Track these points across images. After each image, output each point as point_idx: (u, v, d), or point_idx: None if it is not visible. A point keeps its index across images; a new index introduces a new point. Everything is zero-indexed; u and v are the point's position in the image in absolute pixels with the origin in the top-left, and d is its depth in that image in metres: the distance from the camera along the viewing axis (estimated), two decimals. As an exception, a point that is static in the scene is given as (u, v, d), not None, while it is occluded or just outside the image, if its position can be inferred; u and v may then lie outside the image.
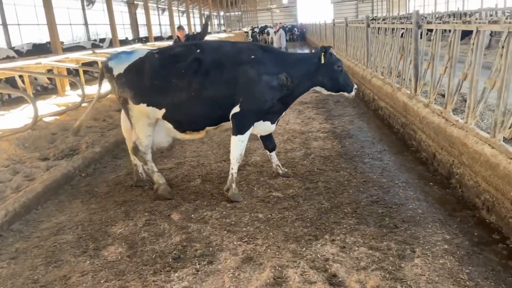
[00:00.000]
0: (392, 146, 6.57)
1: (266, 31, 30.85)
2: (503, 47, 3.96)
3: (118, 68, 4.83)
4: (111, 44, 19.27)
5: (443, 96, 6.92)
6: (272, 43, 39.56)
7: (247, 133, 4.94)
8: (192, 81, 4.70)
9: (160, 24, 47.51)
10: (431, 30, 6.20)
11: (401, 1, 70.08)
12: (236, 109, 4.81)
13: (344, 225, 4.11)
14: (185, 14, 50.47)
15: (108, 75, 4.92)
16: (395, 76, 8.29)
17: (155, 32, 39.79)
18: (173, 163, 6.50)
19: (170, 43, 21.54)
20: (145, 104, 4.77)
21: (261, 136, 5.51)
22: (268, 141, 5.51)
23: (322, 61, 5.03)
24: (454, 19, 15.12)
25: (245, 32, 35.08)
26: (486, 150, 4.10)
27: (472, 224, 3.98)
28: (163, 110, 4.81)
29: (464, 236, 3.76)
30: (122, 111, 5.23)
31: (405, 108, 6.93)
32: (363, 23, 11.11)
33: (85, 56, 12.14)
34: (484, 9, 26.03)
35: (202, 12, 51.15)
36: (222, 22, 70.47)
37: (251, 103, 4.83)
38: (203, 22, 11.82)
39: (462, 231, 3.86)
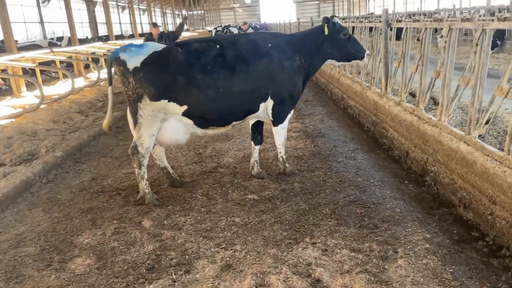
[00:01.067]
0: (364, 144, 6.56)
1: (226, 30, 30.25)
2: (477, 45, 3.98)
3: (133, 62, 4.44)
4: (69, 43, 18.48)
5: (412, 95, 7.01)
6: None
7: (287, 120, 5.13)
8: (220, 76, 4.58)
9: (120, 23, 46.32)
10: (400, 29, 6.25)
11: (361, 2, 71.84)
12: (270, 102, 4.86)
13: (324, 227, 4.01)
14: (146, 13, 49.43)
15: (121, 68, 4.47)
16: (364, 75, 8.33)
17: (116, 30, 38.70)
18: (141, 166, 6.21)
19: (132, 41, 20.96)
20: (166, 100, 4.51)
21: (253, 127, 5.40)
22: (258, 133, 5.41)
23: (326, 33, 4.97)
24: (425, 18, 15.49)
25: (209, 31, 34.55)
26: (462, 147, 4.12)
27: (450, 222, 3.98)
28: (185, 107, 4.59)
29: (444, 235, 3.74)
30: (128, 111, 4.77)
31: (375, 107, 6.95)
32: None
33: (42, 55, 11.54)
34: (441, 9, 26.93)
35: (164, 10, 50.30)
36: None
37: (283, 91, 4.87)
38: (180, 21, 11.48)
39: (441, 229, 3.85)
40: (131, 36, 30.40)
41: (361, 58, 5.18)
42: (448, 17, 17.00)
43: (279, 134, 5.18)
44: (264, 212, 4.42)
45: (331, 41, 5.03)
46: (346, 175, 5.32)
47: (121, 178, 5.78)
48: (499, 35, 14.38)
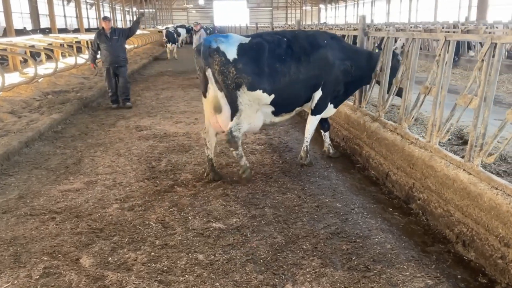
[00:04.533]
0: (336, 162, 6.00)
1: (175, 30, 28.43)
2: (483, 60, 3.50)
3: (232, 52, 4.63)
4: (5, 33, 16.71)
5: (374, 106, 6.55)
6: (182, 44, 37.01)
7: (323, 112, 5.59)
8: (295, 65, 4.95)
9: (65, 16, 43.60)
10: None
11: (314, 11, 73.06)
12: (319, 92, 5.30)
13: (307, 269, 3.35)
14: (94, 7, 46.94)
15: (222, 59, 4.60)
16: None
17: (60, 23, 36.31)
18: (82, 182, 5.26)
19: (78, 35, 19.43)
20: (261, 91, 4.76)
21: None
22: (325, 122, 6.03)
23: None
24: (411, 28, 15.22)
25: (159, 31, 32.79)
26: (462, 176, 3.62)
27: (451, 263, 3.44)
28: (273, 96, 4.87)
29: (448, 281, 3.19)
30: (209, 99, 4.97)
31: (347, 121, 6.44)
32: (293, 27, 10.61)
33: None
34: (413, 23, 27.21)
35: (113, 6, 48.07)
36: (135, 18, 66.97)
37: (330, 85, 5.32)
38: (136, 17, 10.70)
39: (443, 273, 3.29)
40: (77, 30, 28.49)
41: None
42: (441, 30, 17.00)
43: (313, 123, 5.59)
44: (233, 247, 3.69)
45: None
46: (322, 199, 4.71)
47: (56, 197, 4.81)
48: (456, 50, 14.53)
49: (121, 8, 54.90)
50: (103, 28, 9.74)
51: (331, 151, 6.08)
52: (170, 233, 3.96)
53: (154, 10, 66.71)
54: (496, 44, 3.36)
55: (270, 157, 6.16)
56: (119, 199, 4.74)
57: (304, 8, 73.30)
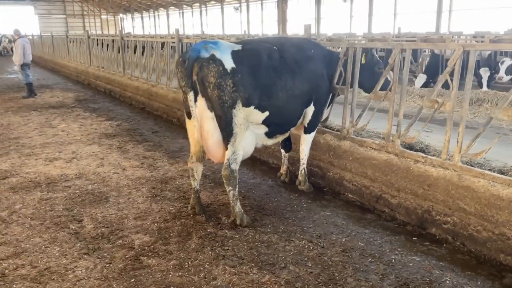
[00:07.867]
0: (297, 187, 5.21)
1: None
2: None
3: (228, 61, 3.82)
4: None
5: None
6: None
7: (316, 128, 4.99)
8: (288, 79, 4.24)
9: None
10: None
11: (116, 21, 69.77)
12: (312, 108, 4.69)
13: None
14: None
15: (219, 69, 3.74)
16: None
17: None
18: (-26, 281, 3.15)
19: None
20: (253, 107, 4.00)
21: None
22: (288, 141, 5.22)
23: (363, 62, 4.87)
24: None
25: None
26: (525, 195, 3.35)
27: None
28: (266, 113, 4.14)
29: None
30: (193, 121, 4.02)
31: (296, 140, 5.71)
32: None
33: None
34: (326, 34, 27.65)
35: None
36: None
37: (321, 98, 4.76)
38: None
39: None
40: None
41: None
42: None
43: (309, 142, 4.97)
44: None
45: (366, 71, 4.93)
46: (336, 239, 3.90)
47: None
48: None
49: None
50: None
51: (286, 179, 5.38)
52: None
53: None
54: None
55: (220, 192, 4.95)
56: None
57: (104, 17, 69.04)
